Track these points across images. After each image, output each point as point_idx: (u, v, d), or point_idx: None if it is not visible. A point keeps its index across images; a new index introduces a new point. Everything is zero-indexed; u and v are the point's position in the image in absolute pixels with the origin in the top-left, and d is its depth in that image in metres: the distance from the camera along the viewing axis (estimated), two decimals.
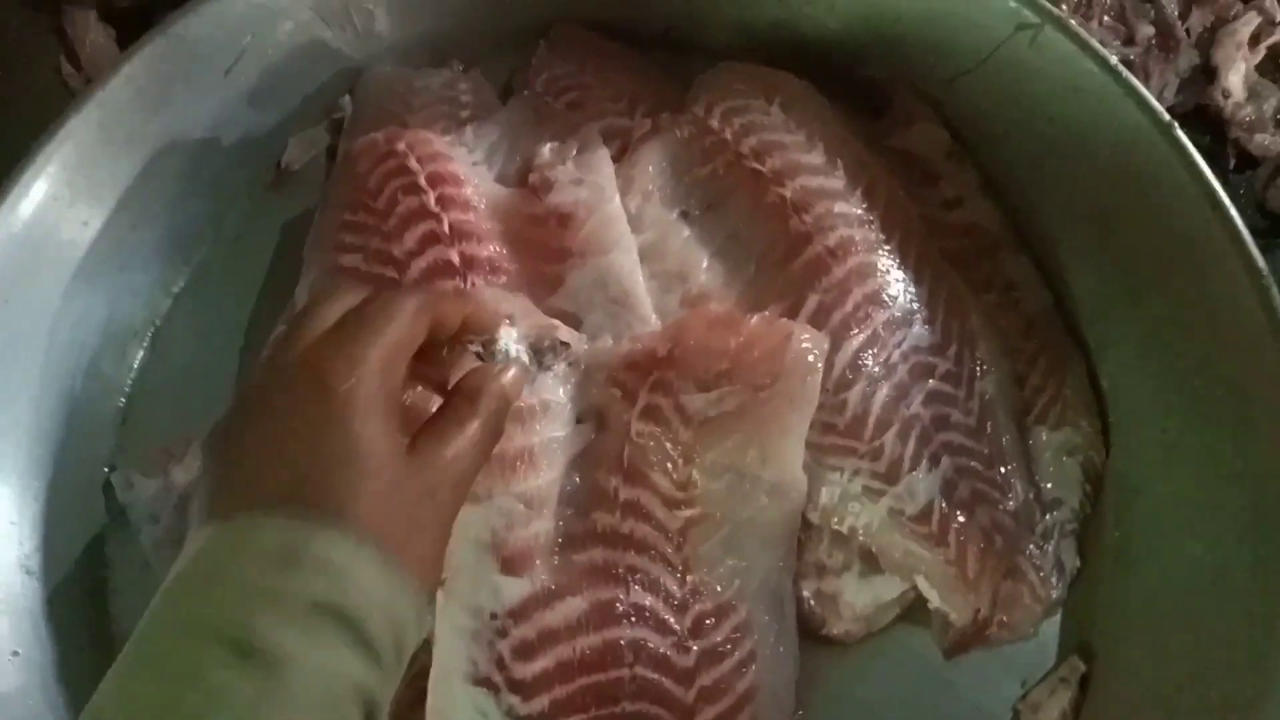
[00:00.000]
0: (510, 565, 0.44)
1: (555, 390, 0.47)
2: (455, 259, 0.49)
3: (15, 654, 0.45)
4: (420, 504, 0.36)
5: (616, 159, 0.55)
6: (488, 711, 0.43)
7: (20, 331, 0.49)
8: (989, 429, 0.50)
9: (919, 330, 0.50)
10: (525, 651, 0.43)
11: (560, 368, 0.46)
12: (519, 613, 0.43)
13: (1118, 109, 0.49)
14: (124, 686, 0.31)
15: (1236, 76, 0.61)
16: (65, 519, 0.50)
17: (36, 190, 0.49)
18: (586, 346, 0.48)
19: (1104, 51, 0.50)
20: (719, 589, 0.46)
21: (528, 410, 0.46)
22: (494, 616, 0.43)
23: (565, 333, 0.48)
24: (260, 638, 0.30)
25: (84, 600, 0.50)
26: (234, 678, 0.30)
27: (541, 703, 0.43)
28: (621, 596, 0.45)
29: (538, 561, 0.44)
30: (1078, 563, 0.50)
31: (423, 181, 0.51)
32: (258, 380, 0.38)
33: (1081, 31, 0.49)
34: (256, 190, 0.60)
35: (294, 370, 0.36)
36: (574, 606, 0.44)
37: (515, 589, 0.44)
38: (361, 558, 0.33)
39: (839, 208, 0.51)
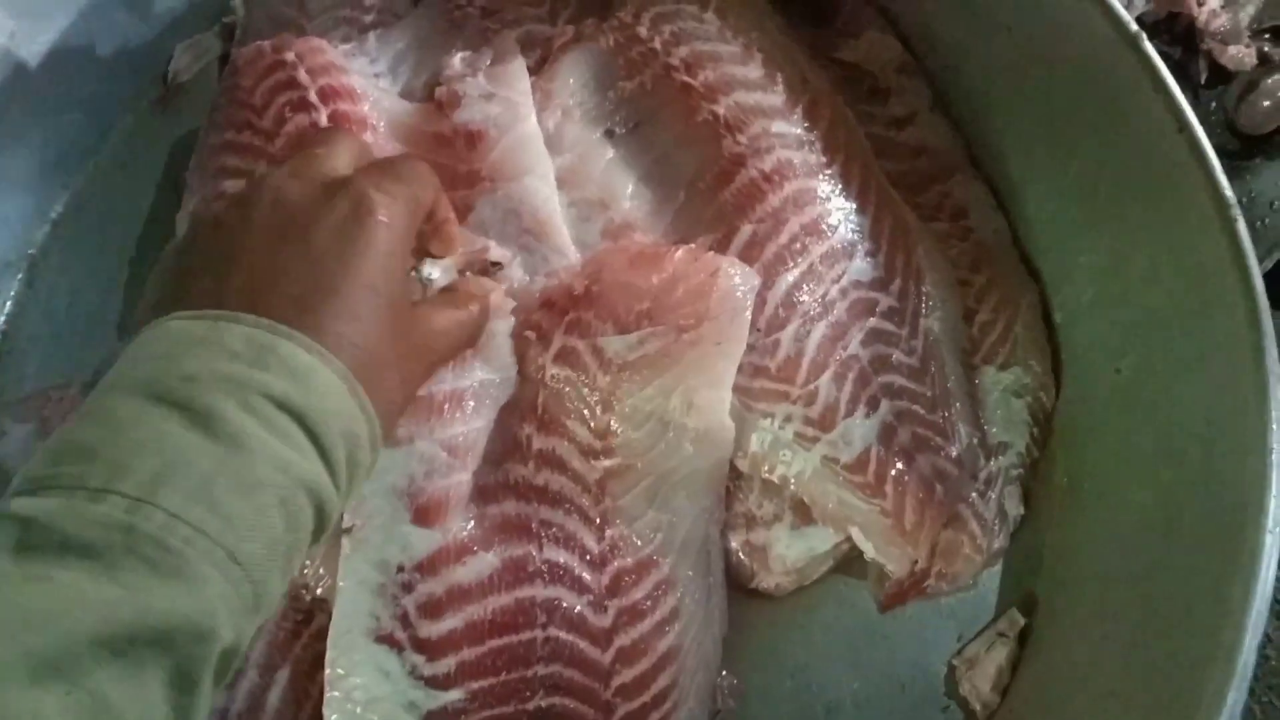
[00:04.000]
0: (423, 515, 0.41)
1: (496, 327, 0.43)
2: None
3: None
4: (399, 357, 0.36)
5: (535, 71, 0.50)
6: (390, 671, 0.40)
7: None
8: (932, 369, 0.46)
9: (860, 263, 0.46)
10: (432, 609, 0.40)
11: (498, 296, 0.43)
12: (427, 567, 0.40)
13: (1081, 18, 0.45)
14: (74, 438, 0.29)
15: None
16: None
17: None
18: (520, 270, 0.44)
19: None
20: (640, 543, 0.43)
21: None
22: (400, 570, 0.40)
23: (496, 252, 0.44)
24: (222, 417, 0.30)
25: None
26: (195, 442, 0.29)
27: (448, 664, 0.40)
28: (534, 553, 0.41)
29: (451, 514, 0.41)
30: (1021, 510, 0.47)
31: (314, 97, 0.46)
32: (261, 192, 0.36)
33: None
34: (142, 106, 0.55)
35: (331, 191, 0.35)
36: (485, 563, 0.41)
37: (426, 542, 0.40)
38: (326, 372, 0.32)
39: (777, 127, 0.47)
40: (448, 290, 0.41)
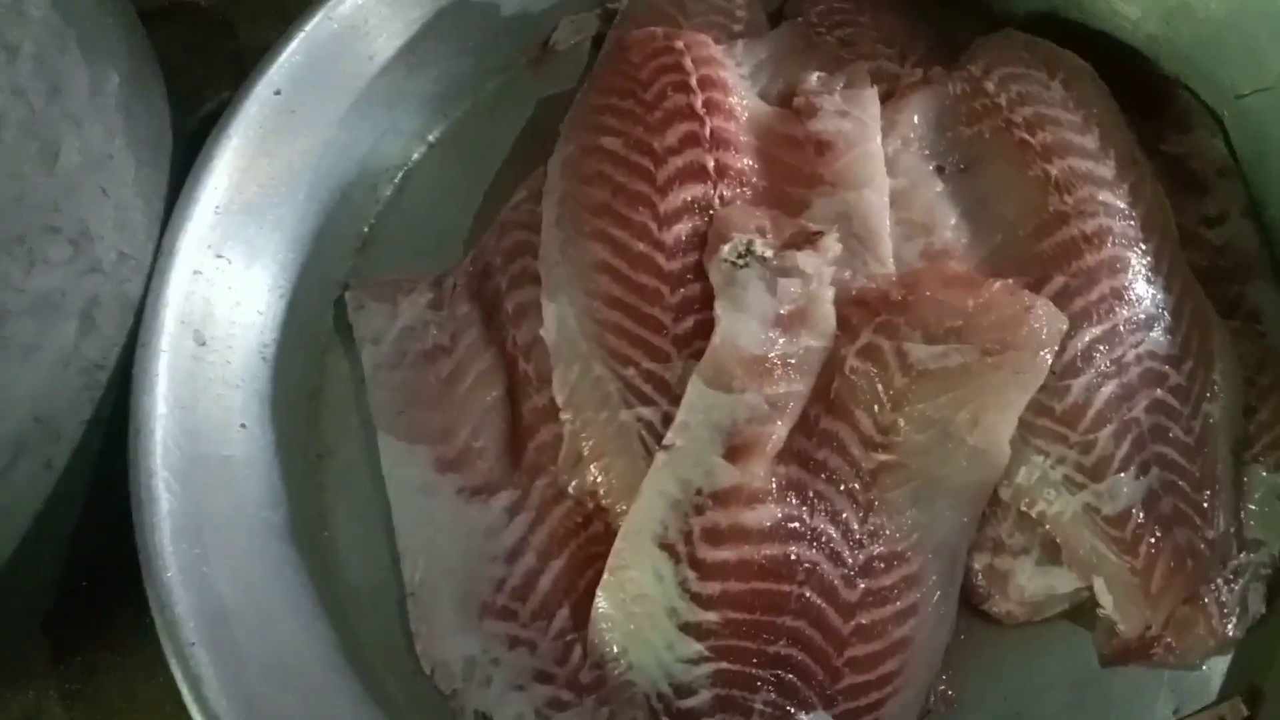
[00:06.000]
0: (734, 454, 0.45)
1: (820, 295, 0.47)
2: (710, 164, 0.50)
3: (243, 426, 0.49)
4: None
5: (881, 102, 0.54)
6: (664, 575, 0.44)
7: (301, 139, 0.52)
8: (1205, 452, 0.48)
9: (1158, 337, 0.48)
10: (714, 536, 0.44)
11: (823, 268, 0.47)
12: (721, 499, 0.44)
13: None
14: None
15: None
16: (300, 323, 0.53)
17: (343, 13, 0.52)
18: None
19: None
20: (897, 537, 0.46)
21: (793, 316, 0.47)
22: (699, 493, 0.45)
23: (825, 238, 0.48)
24: None
25: (302, 400, 0.53)
26: None
27: (714, 588, 0.44)
28: (807, 518, 0.45)
29: (756, 458, 0.45)
30: (1263, 609, 0.48)
31: (694, 82, 0.52)
32: None
33: None
34: (519, 63, 0.62)
35: None
36: (768, 513, 0.45)
37: (727, 476, 0.45)
38: None
39: (1103, 196, 0.50)
40: None
